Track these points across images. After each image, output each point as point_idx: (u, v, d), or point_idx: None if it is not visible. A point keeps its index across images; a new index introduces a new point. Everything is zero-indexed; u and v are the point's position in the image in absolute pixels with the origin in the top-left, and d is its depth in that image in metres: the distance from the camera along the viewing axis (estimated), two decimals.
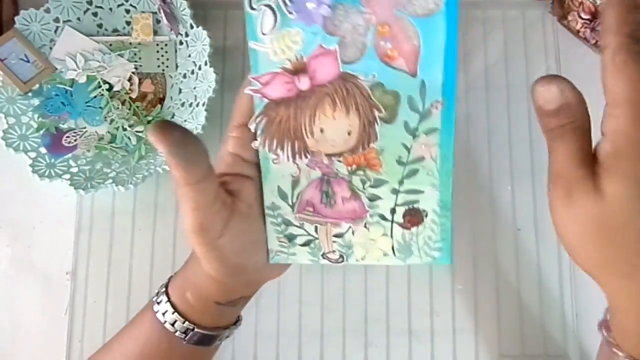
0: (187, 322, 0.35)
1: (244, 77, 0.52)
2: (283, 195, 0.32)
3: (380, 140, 0.30)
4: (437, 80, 0.29)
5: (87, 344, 0.47)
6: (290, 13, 0.28)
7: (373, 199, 0.32)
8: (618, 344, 0.30)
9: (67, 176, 0.47)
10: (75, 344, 0.47)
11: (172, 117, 0.50)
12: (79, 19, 0.51)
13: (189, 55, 0.51)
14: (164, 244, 0.49)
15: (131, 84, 0.51)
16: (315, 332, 0.47)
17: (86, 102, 0.51)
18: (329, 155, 0.31)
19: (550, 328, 0.48)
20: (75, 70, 0.51)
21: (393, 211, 0.32)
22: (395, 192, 0.32)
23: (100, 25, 0.52)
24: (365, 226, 0.33)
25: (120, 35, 0.52)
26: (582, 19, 0.50)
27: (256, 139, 0.31)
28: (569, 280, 0.48)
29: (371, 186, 0.32)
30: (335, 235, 0.33)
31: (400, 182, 0.31)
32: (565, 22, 0.52)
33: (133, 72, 0.51)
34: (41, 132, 0.49)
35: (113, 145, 0.50)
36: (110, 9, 0.51)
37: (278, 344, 0.47)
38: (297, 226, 0.33)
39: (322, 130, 0.30)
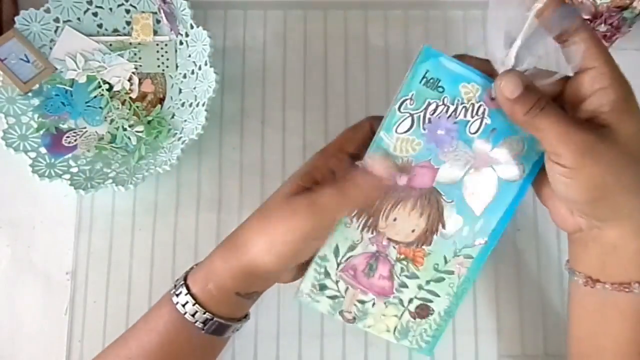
0: (207, 313, 0.37)
1: (244, 77, 0.52)
2: (336, 253, 0.38)
3: (431, 246, 0.38)
4: (491, 225, 0.37)
5: (87, 344, 0.47)
6: (424, 129, 0.36)
7: (402, 285, 0.39)
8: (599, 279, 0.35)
9: (67, 176, 0.47)
10: (75, 344, 0.47)
11: (172, 117, 0.50)
12: (79, 19, 0.51)
13: (189, 55, 0.51)
14: (164, 244, 0.49)
15: (131, 84, 0.51)
16: (315, 332, 0.47)
17: (86, 102, 0.51)
18: (389, 240, 0.38)
19: (550, 328, 0.48)
20: (75, 70, 0.51)
21: (410, 301, 0.39)
22: (420, 288, 0.39)
23: (100, 25, 0.52)
24: (384, 304, 0.39)
25: (120, 35, 0.52)
26: None
27: None
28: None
29: (406, 276, 0.39)
30: (358, 301, 0.39)
31: (427, 282, 0.39)
32: None
33: (133, 72, 0.51)
34: (41, 132, 0.49)
35: (113, 145, 0.50)
36: (110, 9, 0.51)
37: (278, 343, 0.47)
38: (333, 281, 0.39)
39: (395, 219, 0.38)
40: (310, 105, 0.51)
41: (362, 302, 0.39)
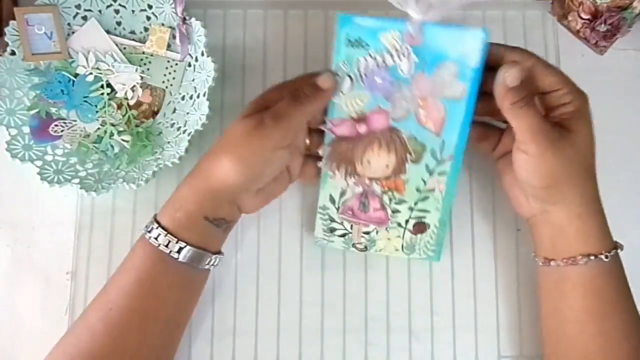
0: (179, 241, 0.40)
1: (244, 76, 0.52)
2: (332, 201, 0.45)
3: (407, 174, 0.43)
4: (453, 141, 0.42)
5: None
6: (363, 83, 0.41)
7: (395, 211, 0.45)
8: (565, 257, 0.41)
9: (39, 163, 0.47)
10: None
11: (159, 134, 0.50)
12: (100, 11, 0.51)
13: (193, 80, 0.50)
14: None
15: (133, 92, 0.51)
16: (316, 332, 0.47)
17: (84, 97, 0.51)
18: (370, 179, 0.44)
19: None
20: (85, 67, 0.51)
21: (407, 221, 0.45)
22: (411, 209, 0.45)
23: (119, 23, 0.52)
24: (386, 229, 0.45)
25: (135, 38, 0.52)
26: (582, 19, 0.50)
27: (321, 161, 0.44)
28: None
29: (395, 203, 0.44)
30: (364, 233, 0.46)
31: (415, 203, 0.44)
32: (565, 22, 0.52)
33: (137, 82, 0.51)
34: (32, 112, 0.49)
35: (95, 146, 0.50)
36: (133, 11, 0.51)
37: (278, 343, 0.47)
38: (338, 223, 0.46)
39: (369, 161, 0.43)
40: None
41: (367, 232, 0.45)
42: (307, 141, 0.45)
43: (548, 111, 0.41)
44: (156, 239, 0.40)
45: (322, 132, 0.44)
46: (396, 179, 0.43)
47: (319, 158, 0.45)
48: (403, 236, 0.45)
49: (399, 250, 0.46)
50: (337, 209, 0.45)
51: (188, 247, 0.41)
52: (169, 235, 0.40)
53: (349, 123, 0.42)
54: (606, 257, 0.40)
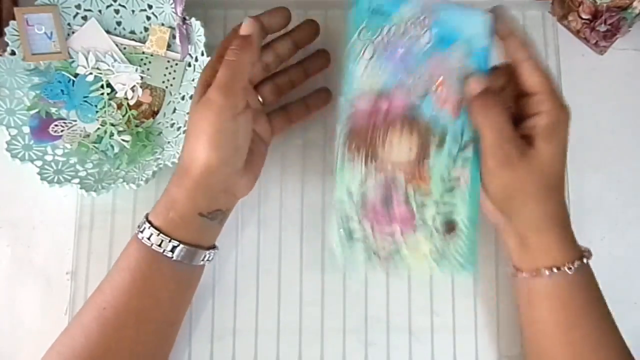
0: (173, 240, 0.40)
1: None
2: (350, 194, 0.41)
3: (431, 159, 0.40)
4: (470, 124, 0.40)
5: None
6: (385, 50, 0.40)
7: (420, 206, 0.41)
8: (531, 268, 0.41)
9: (39, 162, 0.47)
10: None
11: (159, 134, 0.50)
12: (100, 11, 0.51)
13: (193, 80, 0.50)
14: None
15: (133, 92, 0.51)
16: (316, 332, 0.47)
17: (84, 97, 0.51)
18: (393, 164, 0.40)
19: None
20: (85, 67, 0.51)
21: (434, 218, 0.41)
22: (437, 203, 0.41)
23: (119, 23, 0.52)
24: (413, 230, 0.41)
25: (135, 37, 0.52)
26: (582, 19, 0.50)
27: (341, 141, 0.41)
28: None
29: (420, 195, 0.41)
30: (388, 234, 0.41)
31: (441, 195, 0.41)
32: (565, 22, 0.52)
33: (137, 82, 0.51)
34: (32, 112, 0.49)
35: (95, 145, 0.50)
36: (133, 11, 0.51)
37: (278, 343, 0.47)
38: (357, 222, 0.41)
39: (391, 143, 0.40)
40: None
41: (392, 235, 0.41)
42: (260, 99, 0.45)
43: (523, 117, 0.40)
44: (149, 238, 0.40)
45: (268, 82, 0.45)
46: (420, 167, 0.40)
47: (277, 109, 0.46)
48: (432, 237, 0.41)
49: (428, 258, 0.41)
50: (356, 203, 0.41)
51: (182, 246, 0.40)
52: (161, 234, 0.40)
53: (369, 97, 0.40)
54: (570, 269, 0.40)
